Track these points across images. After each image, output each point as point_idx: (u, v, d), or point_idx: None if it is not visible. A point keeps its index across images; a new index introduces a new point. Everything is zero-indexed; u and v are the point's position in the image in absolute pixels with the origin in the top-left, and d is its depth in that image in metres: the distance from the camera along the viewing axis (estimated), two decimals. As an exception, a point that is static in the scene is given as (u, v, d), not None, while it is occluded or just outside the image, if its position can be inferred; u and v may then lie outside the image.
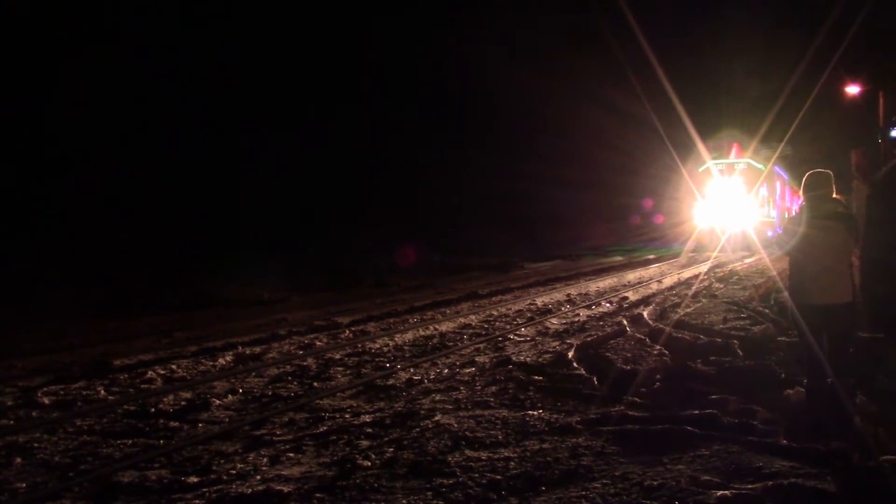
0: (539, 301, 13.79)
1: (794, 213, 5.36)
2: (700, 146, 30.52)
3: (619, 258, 29.98)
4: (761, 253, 24.41)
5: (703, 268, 20.26)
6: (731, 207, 29.83)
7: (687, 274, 18.84)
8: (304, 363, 8.17)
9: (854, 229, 4.99)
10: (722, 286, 15.35)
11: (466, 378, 7.03)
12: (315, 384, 7.11)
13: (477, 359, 8.02)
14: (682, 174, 31.37)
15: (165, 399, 6.60)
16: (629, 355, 7.71)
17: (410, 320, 11.77)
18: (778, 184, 33.21)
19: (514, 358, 7.82)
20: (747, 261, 22.66)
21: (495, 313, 12.19)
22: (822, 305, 4.81)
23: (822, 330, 4.96)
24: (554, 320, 11.01)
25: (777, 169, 32.97)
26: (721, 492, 3.84)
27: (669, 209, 34.93)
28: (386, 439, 5.07)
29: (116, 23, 24.41)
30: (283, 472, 4.51)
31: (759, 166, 31.06)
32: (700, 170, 31.42)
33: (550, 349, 8.36)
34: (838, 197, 5.28)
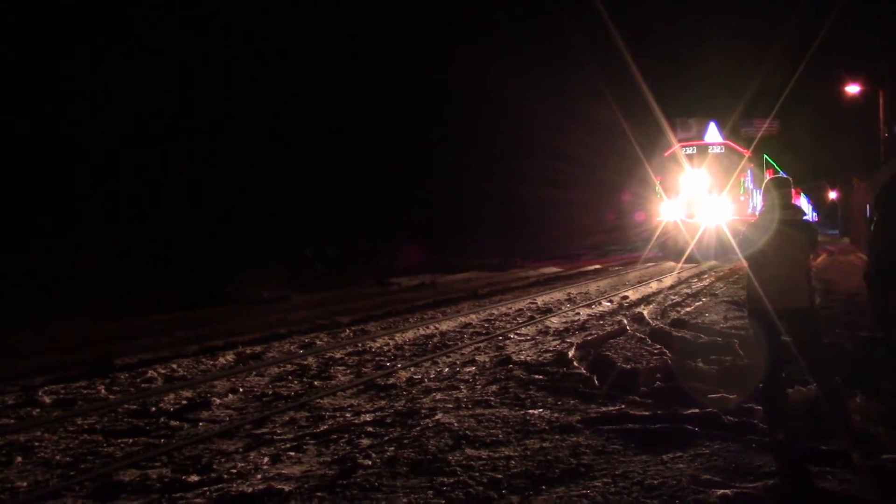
0: (536, 301, 13.79)
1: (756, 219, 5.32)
2: (664, 124, 24.69)
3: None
4: (742, 261, 20.55)
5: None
6: (704, 203, 23.93)
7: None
8: (305, 362, 8.17)
9: (813, 237, 5.03)
10: (722, 285, 15.36)
11: (467, 377, 7.03)
12: (316, 383, 7.11)
13: (478, 358, 8.03)
14: (645, 162, 25.61)
15: (166, 398, 6.60)
16: (629, 354, 7.71)
17: (411, 319, 11.77)
18: (768, 175, 26.19)
19: (514, 357, 7.82)
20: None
21: (496, 312, 12.19)
22: (782, 309, 4.86)
23: (779, 333, 5.00)
24: (554, 319, 11.01)
25: (766, 157, 28.01)
26: (721, 490, 3.84)
27: (634, 206, 29.50)
28: (387, 438, 5.07)
29: (122, 28, 24.46)
30: (283, 471, 4.51)
31: (741, 150, 25.22)
32: (665, 155, 25.44)
33: (551, 348, 8.36)
34: (795, 205, 5.29)
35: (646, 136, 26.23)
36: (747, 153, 25.32)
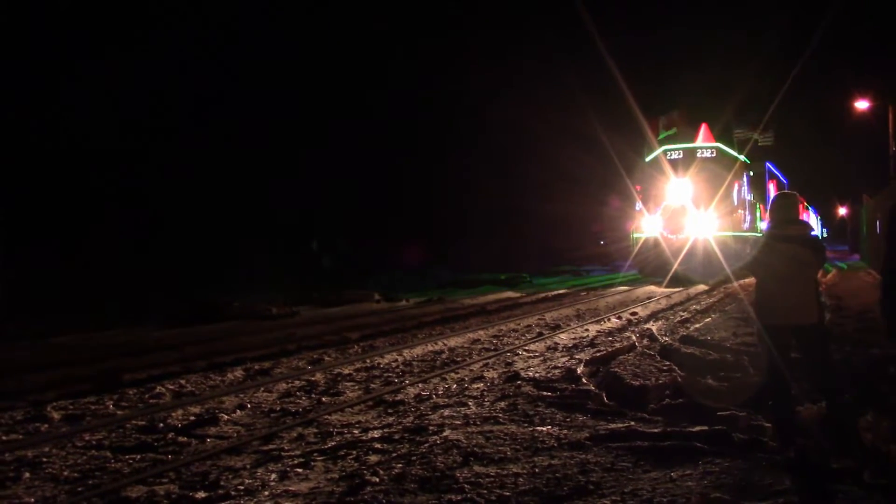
0: (544, 317, 13.76)
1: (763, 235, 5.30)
2: (644, 124, 21.94)
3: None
4: (733, 282, 17.45)
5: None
6: (690, 215, 20.85)
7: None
8: (313, 378, 8.16)
9: (820, 253, 5.01)
10: (732, 302, 15.29)
11: (475, 393, 7.01)
12: (324, 399, 7.11)
13: (486, 374, 8.01)
14: (621, 169, 22.92)
15: (174, 414, 6.61)
16: (638, 371, 7.67)
17: (419, 335, 11.77)
18: (771, 186, 24.25)
19: (523, 373, 7.80)
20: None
21: (504, 328, 12.17)
22: (790, 326, 4.86)
23: (788, 350, 4.99)
24: (562, 335, 10.97)
25: (770, 165, 24.69)
26: (731, 509, 3.81)
27: (615, 219, 26.62)
28: (395, 455, 5.06)
29: (126, 35, 24.69)
30: (291, 488, 4.50)
31: (736, 154, 22.02)
32: (647, 160, 22.41)
33: (560, 364, 8.33)
34: (802, 220, 5.29)
35: (629, 142, 23.69)
36: (741, 158, 22.45)
